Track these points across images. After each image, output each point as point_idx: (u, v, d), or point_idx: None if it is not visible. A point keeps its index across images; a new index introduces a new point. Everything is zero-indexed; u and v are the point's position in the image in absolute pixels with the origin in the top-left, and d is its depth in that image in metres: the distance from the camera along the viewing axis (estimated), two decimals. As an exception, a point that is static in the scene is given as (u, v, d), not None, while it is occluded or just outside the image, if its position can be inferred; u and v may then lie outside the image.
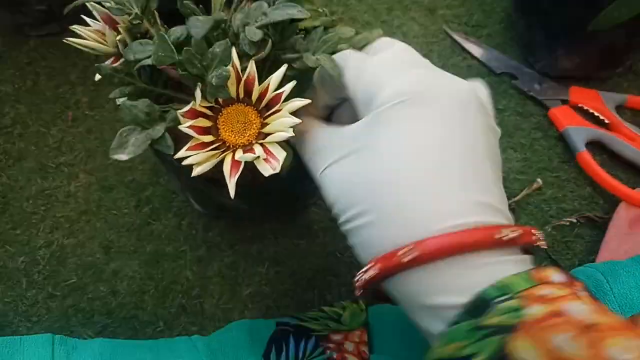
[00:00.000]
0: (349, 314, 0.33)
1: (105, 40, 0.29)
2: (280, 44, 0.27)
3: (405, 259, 0.19)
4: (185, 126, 0.24)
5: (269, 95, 0.25)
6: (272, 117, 0.26)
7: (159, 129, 0.25)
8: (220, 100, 0.26)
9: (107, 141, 0.44)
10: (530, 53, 0.48)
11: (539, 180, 0.42)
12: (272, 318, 0.35)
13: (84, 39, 0.29)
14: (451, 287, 0.20)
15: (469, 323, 0.18)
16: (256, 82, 0.25)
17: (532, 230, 0.21)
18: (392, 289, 0.21)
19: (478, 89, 0.23)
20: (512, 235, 0.20)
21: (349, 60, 0.25)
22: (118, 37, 0.28)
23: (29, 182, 0.43)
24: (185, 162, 0.24)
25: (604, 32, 0.39)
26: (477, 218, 0.20)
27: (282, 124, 0.25)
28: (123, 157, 0.23)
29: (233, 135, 0.26)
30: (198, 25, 0.24)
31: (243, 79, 0.25)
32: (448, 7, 0.51)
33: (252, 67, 0.25)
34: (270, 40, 0.26)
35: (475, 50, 0.49)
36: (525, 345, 0.17)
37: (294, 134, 0.24)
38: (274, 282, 0.38)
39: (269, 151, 0.25)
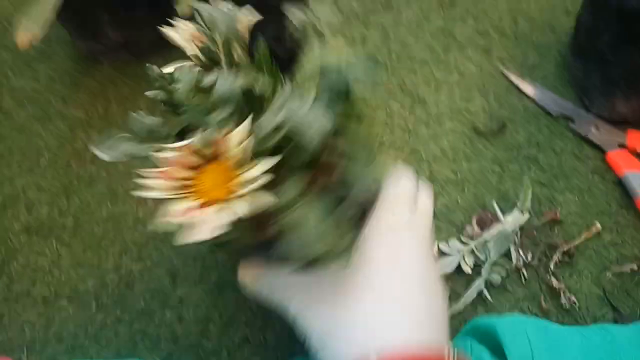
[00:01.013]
0: None
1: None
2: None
3: None
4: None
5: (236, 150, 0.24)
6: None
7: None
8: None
9: (173, 169, 0.46)
10: (586, 96, 0.49)
11: (597, 224, 0.42)
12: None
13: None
14: None
15: None
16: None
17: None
18: None
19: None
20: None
21: None
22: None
23: (99, 206, 0.44)
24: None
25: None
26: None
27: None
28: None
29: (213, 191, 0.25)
30: None
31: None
32: (504, 48, 0.52)
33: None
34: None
35: (531, 91, 0.50)
36: None
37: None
38: (336, 317, 0.39)
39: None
